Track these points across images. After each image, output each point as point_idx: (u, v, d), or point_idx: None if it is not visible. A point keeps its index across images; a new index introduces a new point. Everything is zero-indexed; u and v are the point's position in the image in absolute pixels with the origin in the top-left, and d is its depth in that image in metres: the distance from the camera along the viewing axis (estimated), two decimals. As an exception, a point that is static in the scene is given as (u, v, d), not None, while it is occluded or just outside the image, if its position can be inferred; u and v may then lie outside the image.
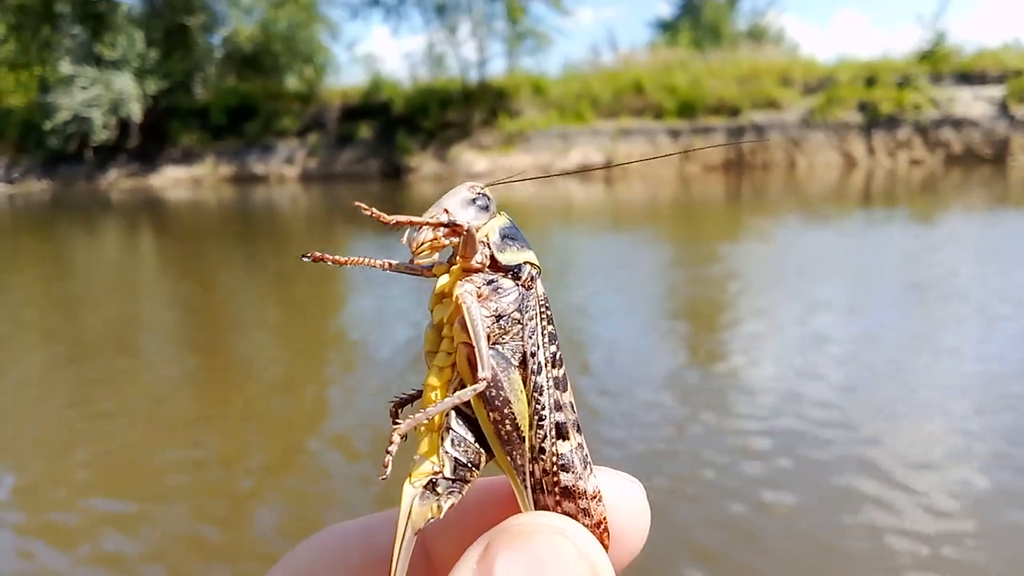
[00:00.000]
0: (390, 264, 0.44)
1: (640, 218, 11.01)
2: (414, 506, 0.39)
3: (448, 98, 21.06)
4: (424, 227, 0.42)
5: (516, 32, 22.25)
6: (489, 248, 0.43)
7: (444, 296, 0.42)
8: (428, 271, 0.44)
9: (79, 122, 20.30)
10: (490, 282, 0.42)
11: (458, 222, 0.42)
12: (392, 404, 0.44)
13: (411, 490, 0.39)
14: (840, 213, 10.53)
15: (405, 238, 0.42)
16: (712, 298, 5.54)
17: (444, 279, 0.42)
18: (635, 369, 4.08)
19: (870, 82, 18.38)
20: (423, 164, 19.84)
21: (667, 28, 29.02)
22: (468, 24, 22.65)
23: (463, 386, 0.40)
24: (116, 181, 20.61)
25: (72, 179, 20.78)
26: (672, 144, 19.07)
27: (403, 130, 20.28)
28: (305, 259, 0.43)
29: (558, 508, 0.42)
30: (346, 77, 23.84)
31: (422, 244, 0.42)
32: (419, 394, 0.43)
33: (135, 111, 20.46)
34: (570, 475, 0.42)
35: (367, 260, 0.44)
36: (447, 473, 0.40)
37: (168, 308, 6.25)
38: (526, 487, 0.42)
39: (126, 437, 3.45)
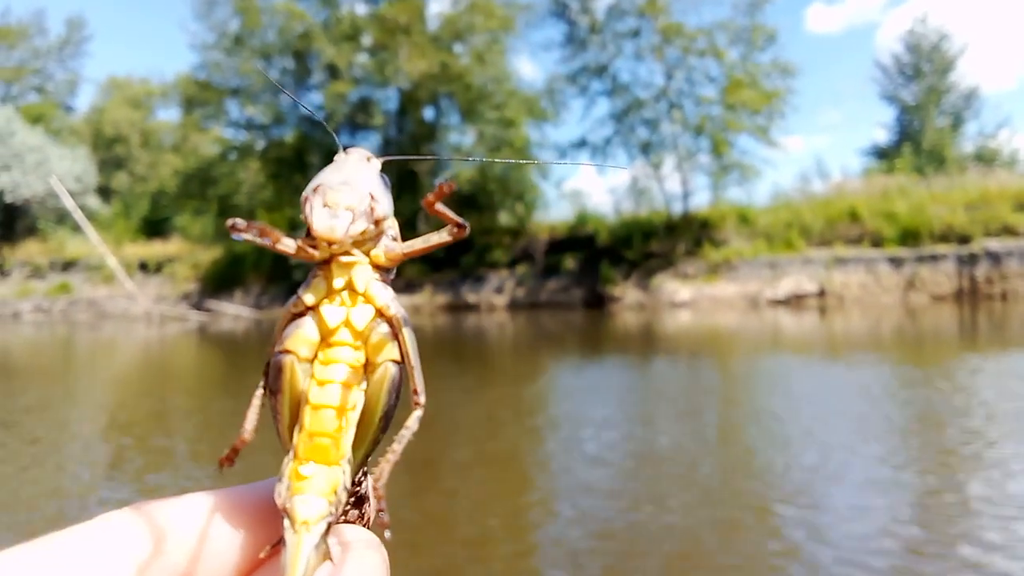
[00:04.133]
0: (289, 245, 0.35)
1: (861, 352, 10.24)
2: (311, 558, 0.30)
3: (652, 229, 21.37)
4: (359, 220, 0.33)
5: (722, 165, 22.37)
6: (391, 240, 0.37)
7: (355, 293, 0.35)
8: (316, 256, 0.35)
9: (320, 256, 22.74)
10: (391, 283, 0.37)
11: (385, 213, 0.35)
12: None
13: (309, 539, 0.30)
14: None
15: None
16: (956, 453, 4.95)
17: (360, 274, 0.35)
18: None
19: None
20: (626, 293, 20.01)
21: (883, 155, 27.89)
22: (673, 159, 23.14)
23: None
24: (346, 308, 22.65)
25: (309, 306, 23.13)
26: (894, 273, 17.96)
27: (607, 260, 20.72)
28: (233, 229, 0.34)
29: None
30: (554, 212, 24.92)
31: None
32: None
33: (369, 245, 22.59)
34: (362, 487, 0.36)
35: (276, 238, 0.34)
36: (339, 510, 0.32)
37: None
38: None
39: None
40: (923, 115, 27.97)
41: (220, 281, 24.91)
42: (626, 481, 4.11)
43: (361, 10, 24.90)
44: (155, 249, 27.35)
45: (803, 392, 6.69)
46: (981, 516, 3.29)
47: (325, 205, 0.33)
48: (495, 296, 21.59)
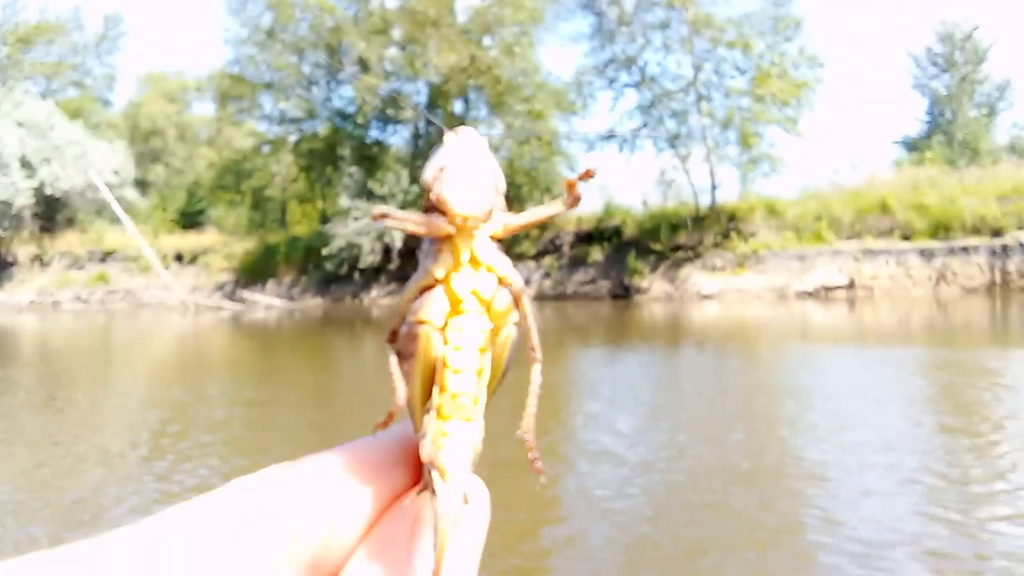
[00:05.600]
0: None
1: (894, 345, 10.24)
2: (458, 505, 0.34)
3: (679, 221, 21.36)
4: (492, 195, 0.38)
5: (750, 157, 22.28)
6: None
7: (478, 264, 0.39)
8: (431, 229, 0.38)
9: (351, 248, 22.94)
10: None
11: (504, 188, 0.41)
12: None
13: (458, 488, 0.34)
14: None
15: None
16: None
17: (482, 246, 0.38)
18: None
19: None
20: (653, 285, 20.07)
21: (915, 146, 27.55)
22: (701, 150, 23.09)
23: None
24: (377, 299, 22.95)
25: (341, 297, 23.46)
26: (925, 265, 17.82)
27: (634, 252, 20.76)
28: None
29: None
30: (581, 204, 24.87)
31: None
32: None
33: (397, 237, 22.78)
34: None
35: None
36: (477, 460, 0.37)
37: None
38: None
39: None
40: (955, 106, 27.58)
41: (253, 272, 25.35)
42: (652, 474, 4.26)
43: (391, 4, 25.15)
44: (190, 240, 27.88)
45: (837, 387, 6.77)
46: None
47: (457, 184, 0.36)
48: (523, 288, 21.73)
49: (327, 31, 24.59)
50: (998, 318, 12.71)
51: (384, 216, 0.36)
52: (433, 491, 0.33)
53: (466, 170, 0.36)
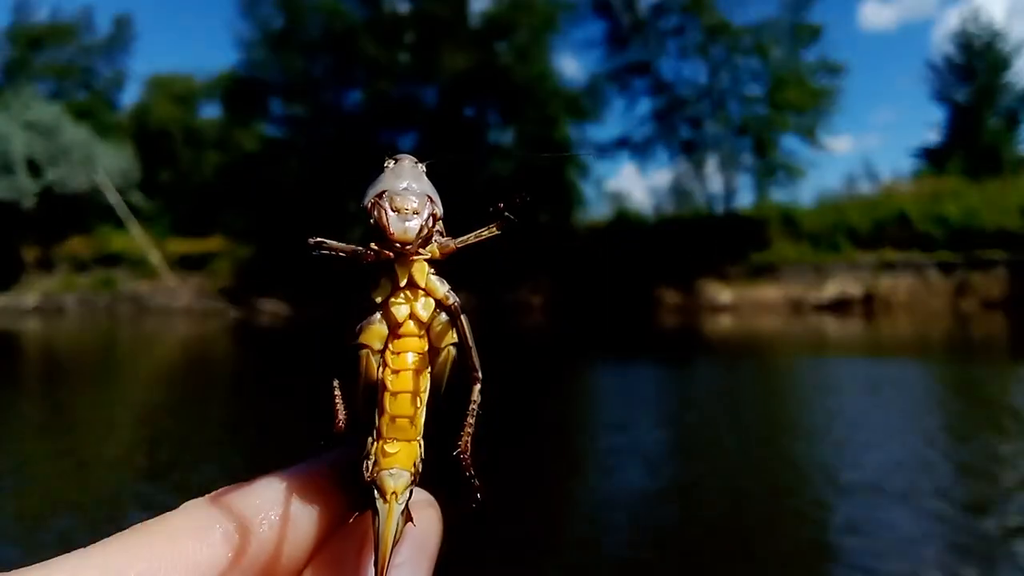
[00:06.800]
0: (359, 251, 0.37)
1: (910, 363, 9.86)
2: (399, 523, 0.35)
3: (693, 230, 21.03)
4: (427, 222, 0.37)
5: (766, 166, 21.97)
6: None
7: (416, 289, 0.38)
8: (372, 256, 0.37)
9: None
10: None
11: (441, 213, 0.39)
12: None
13: (397, 507, 0.35)
14: None
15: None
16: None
17: (419, 270, 0.38)
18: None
19: None
20: (665, 295, 19.74)
21: (935, 156, 27.10)
22: (715, 158, 22.79)
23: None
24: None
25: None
26: (944, 278, 17.47)
27: (646, 262, 20.41)
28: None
29: None
30: (593, 211, 24.65)
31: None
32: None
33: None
34: None
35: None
36: (418, 479, 0.37)
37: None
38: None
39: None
40: (976, 116, 27.12)
41: (259, 277, 25.08)
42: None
43: (403, 8, 24.93)
44: (197, 245, 27.64)
45: (855, 408, 6.43)
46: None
47: (395, 210, 0.37)
48: (532, 296, 21.45)
49: (338, 35, 24.37)
50: (1018, 334, 12.38)
51: (319, 245, 0.37)
52: (375, 510, 0.35)
53: (403, 196, 0.37)
